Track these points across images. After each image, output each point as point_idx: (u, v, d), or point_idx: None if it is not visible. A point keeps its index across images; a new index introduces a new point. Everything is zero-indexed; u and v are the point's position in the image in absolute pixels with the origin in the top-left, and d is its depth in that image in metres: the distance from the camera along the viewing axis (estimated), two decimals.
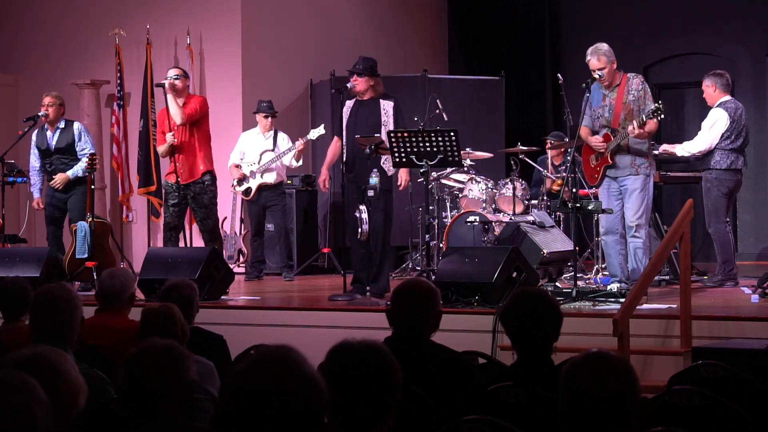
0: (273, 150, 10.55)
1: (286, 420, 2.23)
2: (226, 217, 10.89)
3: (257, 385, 2.26)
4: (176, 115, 8.94)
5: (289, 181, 11.20)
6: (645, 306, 6.98)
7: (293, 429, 2.23)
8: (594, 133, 8.08)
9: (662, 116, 7.75)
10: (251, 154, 10.57)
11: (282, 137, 10.65)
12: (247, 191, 10.56)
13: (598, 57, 7.92)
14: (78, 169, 9.32)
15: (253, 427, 2.24)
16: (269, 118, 10.67)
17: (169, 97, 8.98)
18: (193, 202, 8.96)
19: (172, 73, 9.12)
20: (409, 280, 4.59)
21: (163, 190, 9.09)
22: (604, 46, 7.97)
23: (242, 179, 10.55)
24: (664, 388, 4.24)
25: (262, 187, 10.52)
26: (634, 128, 7.71)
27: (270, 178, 10.55)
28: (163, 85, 9.01)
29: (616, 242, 7.98)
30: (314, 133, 10.14)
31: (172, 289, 5.30)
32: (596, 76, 7.96)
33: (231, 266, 9.18)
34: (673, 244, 6.70)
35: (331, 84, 11.32)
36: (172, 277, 5.82)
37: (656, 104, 7.73)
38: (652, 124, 7.81)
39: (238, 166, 10.59)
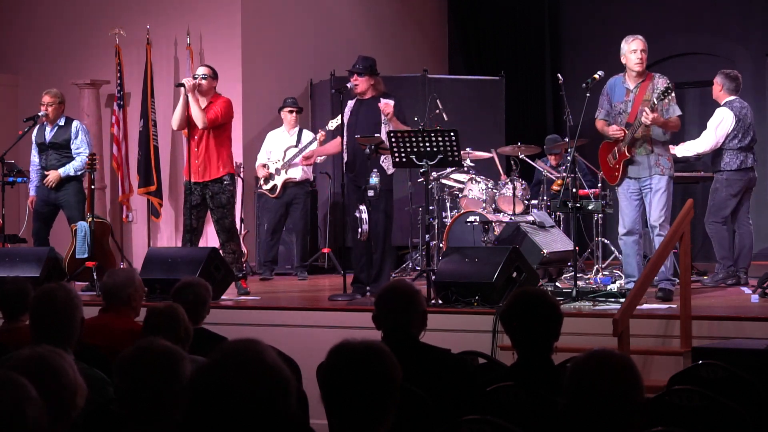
0: (296, 146, 10.58)
1: (251, 410, 2.26)
2: None
3: (219, 377, 2.29)
4: (198, 119, 8.56)
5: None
6: (645, 306, 6.97)
7: (258, 419, 2.26)
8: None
9: (672, 97, 7.68)
10: (276, 151, 10.63)
11: (307, 134, 10.65)
12: (272, 189, 10.58)
13: (643, 40, 7.84)
14: (70, 167, 9.30)
15: (219, 418, 2.26)
16: (294, 113, 10.73)
17: (191, 98, 8.57)
18: (210, 202, 8.71)
19: (201, 71, 8.76)
20: (390, 283, 4.61)
21: (184, 191, 8.80)
22: None
23: (269, 178, 10.59)
24: (664, 388, 4.24)
25: (287, 184, 10.55)
26: (647, 114, 7.57)
27: (295, 173, 10.57)
28: (183, 85, 8.69)
29: (635, 243, 7.83)
30: (332, 124, 10.12)
31: (186, 287, 5.29)
32: (596, 76, 7.93)
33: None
34: (673, 244, 6.70)
35: (331, 84, 11.32)
36: (172, 277, 5.82)
37: (667, 83, 7.65)
38: (674, 120, 7.74)
39: (264, 166, 10.62)
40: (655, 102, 7.62)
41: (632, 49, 7.84)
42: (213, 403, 2.28)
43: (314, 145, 10.31)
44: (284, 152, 10.58)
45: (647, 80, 7.86)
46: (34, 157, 9.53)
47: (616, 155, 7.92)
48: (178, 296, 5.16)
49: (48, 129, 9.46)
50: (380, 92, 8.30)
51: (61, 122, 9.45)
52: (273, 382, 2.31)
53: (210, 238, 9.88)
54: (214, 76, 8.84)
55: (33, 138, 9.57)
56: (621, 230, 7.94)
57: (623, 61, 7.93)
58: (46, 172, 9.36)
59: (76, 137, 9.40)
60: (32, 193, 9.55)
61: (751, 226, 9.00)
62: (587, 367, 2.79)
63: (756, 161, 8.97)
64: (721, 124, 8.80)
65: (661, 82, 7.83)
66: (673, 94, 7.83)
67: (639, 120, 7.67)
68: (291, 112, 10.78)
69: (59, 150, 9.38)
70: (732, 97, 8.98)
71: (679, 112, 7.84)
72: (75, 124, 9.51)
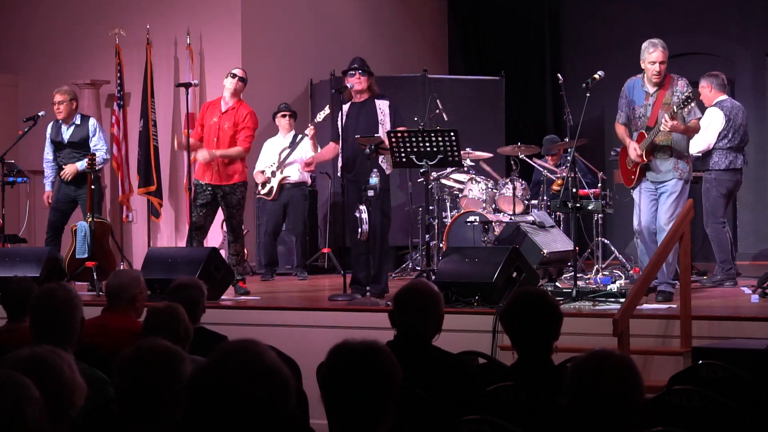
0: (290, 147, 10.60)
1: (251, 411, 2.25)
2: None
3: (219, 378, 2.28)
4: (237, 155, 8.80)
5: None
6: (645, 306, 6.97)
7: (258, 419, 2.25)
8: (631, 131, 7.83)
9: (693, 103, 7.53)
10: (271, 156, 10.63)
11: (302, 138, 10.65)
12: (269, 192, 10.60)
13: (663, 49, 7.70)
14: (86, 162, 9.33)
15: (219, 418, 2.25)
16: (288, 118, 10.75)
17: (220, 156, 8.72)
18: (222, 201, 8.80)
19: (237, 72, 8.88)
20: (412, 282, 4.57)
21: (193, 189, 8.83)
22: (662, 41, 7.76)
23: (266, 182, 10.62)
24: (664, 388, 4.24)
25: (283, 185, 10.56)
26: (666, 121, 7.43)
27: (291, 173, 10.58)
28: (184, 85, 8.76)
29: (652, 240, 7.73)
30: (321, 115, 10.13)
31: (179, 288, 5.30)
32: (596, 76, 7.90)
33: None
34: (674, 244, 6.70)
35: (331, 84, 11.32)
36: (172, 277, 5.82)
37: (688, 92, 7.51)
38: (694, 123, 7.62)
39: (262, 172, 10.65)
40: (675, 110, 7.48)
41: (651, 61, 7.70)
42: (212, 403, 2.28)
43: (307, 143, 10.34)
44: (279, 154, 10.60)
45: (667, 83, 7.72)
46: (48, 154, 9.58)
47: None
48: (171, 298, 5.16)
49: (64, 128, 9.49)
50: (375, 93, 8.31)
51: (77, 120, 9.50)
52: (273, 382, 2.30)
53: (210, 239, 9.88)
54: (245, 81, 9.01)
55: (48, 135, 9.59)
56: (636, 226, 7.83)
57: (642, 66, 7.80)
58: (64, 166, 9.38)
59: (94, 135, 9.47)
60: (48, 188, 9.59)
61: (726, 224, 9.02)
62: (588, 367, 2.79)
63: (746, 163, 8.96)
64: (711, 124, 8.80)
65: (681, 85, 7.70)
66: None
67: (658, 126, 7.55)
68: (284, 116, 10.78)
69: (77, 148, 9.42)
70: (723, 97, 8.98)
71: (699, 115, 7.70)
72: (92, 122, 9.57)
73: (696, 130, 7.81)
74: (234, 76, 8.91)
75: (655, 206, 7.76)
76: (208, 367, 2.32)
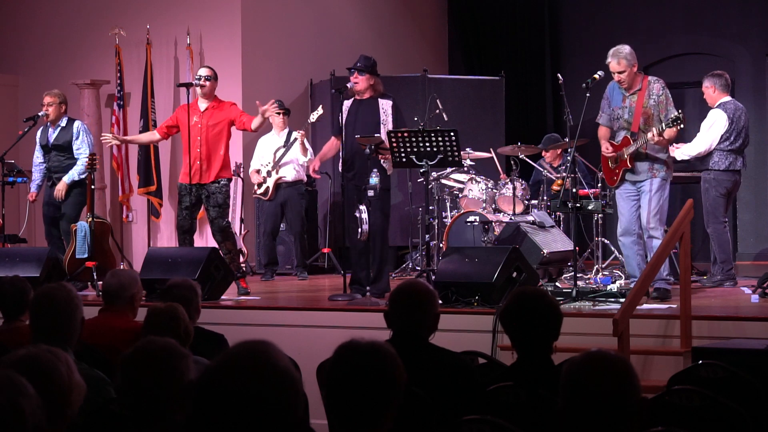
0: (284, 146, 10.60)
1: (260, 414, 2.23)
2: None
3: (229, 380, 2.25)
4: (257, 123, 8.74)
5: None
6: (645, 306, 6.97)
7: (267, 423, 2.23)
8: (613, 133, 7.96)
9: (682, 125, 7.62)
10: (267, 155, 10.63)
11: (296, 135, 10.64)
12: (265, 192, 10.60)
13: (618, 60, 7.75)
14: (74, 173, 9.27)
15: (227, 422, 2.23)
16: (281, 116, 10.73)
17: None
18: (206, 201, 8.78)
19: (203, 72, 8.85)
20: (407, 281, 4.58)
21: (178, 192, 8.86)
22: (625, 49, 7.77)
23: (262, 183, 10.61)
24: (664, 388, 4.24)
25: (279, 185, 10.55)
26: (653, 136, 7.59)
27: (287, 173, 10.57)
28: (189, 85, 8.82)
29: (634, 243, 7.83)
30: (314, 116, 10.12)
31: (172, 289, 5.30)
32: (596, 76, 7.92)
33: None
34: (673, 245, 6.70)
35: (331, 84, 11.32)
36: (172, 277, 5.82)
37: (677, 113, 7.59)
38: (671, 132, 7.66)
39: (257, 171, 10.65)
40: (663, 128, 7.59)
41: (610, 70, 7.83)
42: (220, 404, 2.26)
43: (297, 146, 10.35)
44: (274, 154, 10.59)
45: (644, 86, 7.80)
46: (37, 158, 9.53)
47: (617, 160, 7.91)
48: (165, 299, 5.15)
49: (51, 130, 9.46)
50: (378, 93, 8.31)
51: (63, 123, 9.44)
52: (282, 385, 2.29)
53: (210, 239, 9.89)
54: (215, 77, 8.91)
55: (37, 139, 9.57)
56: (618, 231, 7.98)
57: None
58: (55, 175, 9.34)
59: (77, 138, 9.39)
60: (33, 189, 9.54)
61: (727, 225, 9.04)
62: (582, 367, 2.79)
63: (745, 165, 8.96)
64: (713, 125, 8.81)
65: (656, 88, 7.80)
66: (668, 95, 7.82)
67: (645, 138, 7.67)
68: (278, 114, 10.76)
69: (62, 152, 9.37)
70: (726, 98, 8.97)
71: (672, 116, 7.75)
72: (76, 124, 9.49)
73: (673, 137, 7.85)
74: (206, 78, 8.82)
75: (635, 207, 7.89)
76: (217, 368, 2.29)
